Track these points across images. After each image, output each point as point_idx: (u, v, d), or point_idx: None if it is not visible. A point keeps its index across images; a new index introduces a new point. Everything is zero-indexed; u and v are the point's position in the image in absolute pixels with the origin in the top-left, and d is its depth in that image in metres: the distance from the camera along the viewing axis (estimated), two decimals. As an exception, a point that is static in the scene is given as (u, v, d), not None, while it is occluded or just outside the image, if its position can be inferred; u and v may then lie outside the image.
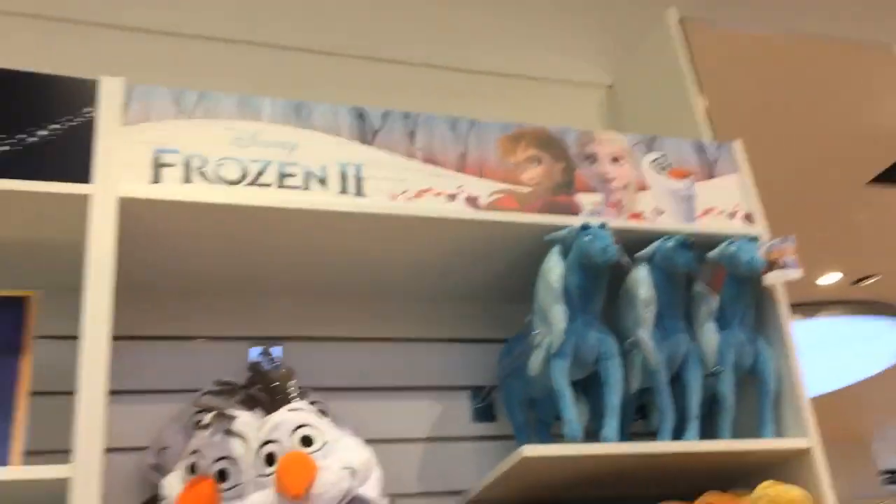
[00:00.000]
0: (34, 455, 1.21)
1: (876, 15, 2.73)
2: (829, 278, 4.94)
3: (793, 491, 1.34)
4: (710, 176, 1.60)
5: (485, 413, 1.62)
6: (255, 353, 1.51)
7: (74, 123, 1.25)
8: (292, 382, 1.16)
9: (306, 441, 1.03)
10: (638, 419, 1.61)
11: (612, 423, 1.36)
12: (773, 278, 1.47)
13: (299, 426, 1.04)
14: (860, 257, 4.70)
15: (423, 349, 1.63)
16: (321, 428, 1.05)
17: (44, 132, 1.23)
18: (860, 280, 5.01)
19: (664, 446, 1.35)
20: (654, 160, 1.58)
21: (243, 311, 1.54)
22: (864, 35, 2.62)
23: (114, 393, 1.41)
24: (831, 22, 2.62)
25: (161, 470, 1.32)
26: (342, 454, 1.02)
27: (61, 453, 1.10)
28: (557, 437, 1.35)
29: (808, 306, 5.20)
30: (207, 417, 1.23)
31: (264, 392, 1.16)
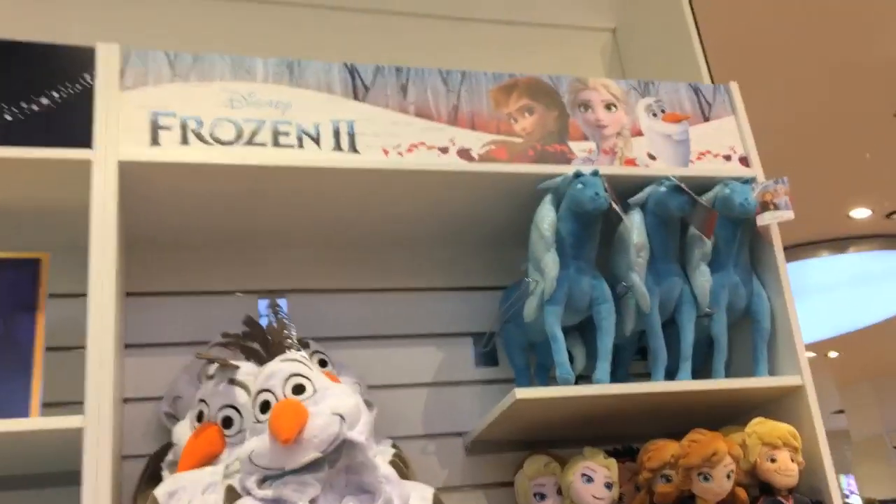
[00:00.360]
0: (53, 407, 1.29)
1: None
2: (860, 213, 4.88)
3: (781, 427, 1.38)
4: (706, 119, 1.60)
5: (488, 358, 1.67)
6: (263, 305, 1.57)
7: (74, 91, 1.30)
8: (287, 334, 1.22)
9: (298, 389, 1.09)
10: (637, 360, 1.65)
11: (603, 366, 1.39)
12: (765, 219, 1.48)
13: (291, 375, 1.10)
14: (893, 189, 4.62)
15: (425, 298, 1.67)
16: (312, 377, 1.10)
17: (45, 100, 1.28)
18: (893, 213, 4.94)
19: (652, 386, 1.39)
20: (648, 105, 1.58)
21: (248, 266, 1.59)
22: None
23: (130, 346, 1.50)
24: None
25: (175, 418, 1.40)
26: (332, 401, 1.08)
27: (78, 405, 1.16)
28: (556, 380, 1.39)
29: (839, 242, 5.15)
30: (213, 368, 1.30)
31: (260, 344, 1.22)
